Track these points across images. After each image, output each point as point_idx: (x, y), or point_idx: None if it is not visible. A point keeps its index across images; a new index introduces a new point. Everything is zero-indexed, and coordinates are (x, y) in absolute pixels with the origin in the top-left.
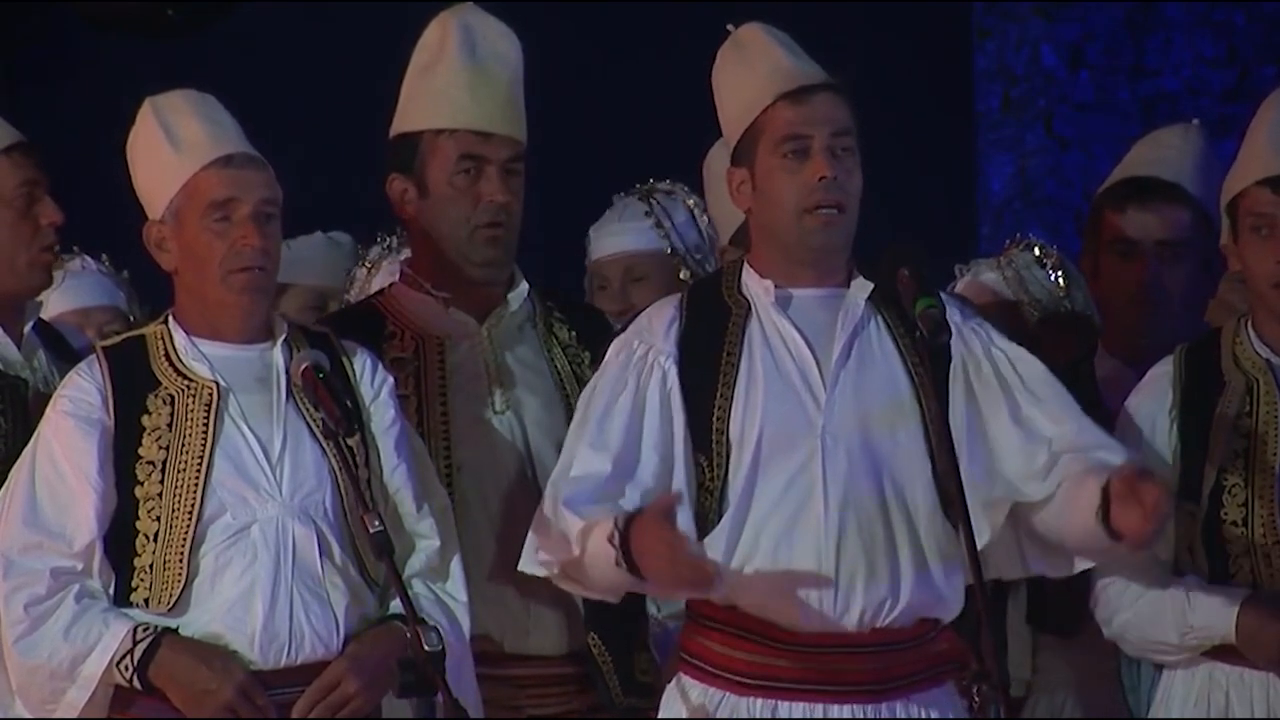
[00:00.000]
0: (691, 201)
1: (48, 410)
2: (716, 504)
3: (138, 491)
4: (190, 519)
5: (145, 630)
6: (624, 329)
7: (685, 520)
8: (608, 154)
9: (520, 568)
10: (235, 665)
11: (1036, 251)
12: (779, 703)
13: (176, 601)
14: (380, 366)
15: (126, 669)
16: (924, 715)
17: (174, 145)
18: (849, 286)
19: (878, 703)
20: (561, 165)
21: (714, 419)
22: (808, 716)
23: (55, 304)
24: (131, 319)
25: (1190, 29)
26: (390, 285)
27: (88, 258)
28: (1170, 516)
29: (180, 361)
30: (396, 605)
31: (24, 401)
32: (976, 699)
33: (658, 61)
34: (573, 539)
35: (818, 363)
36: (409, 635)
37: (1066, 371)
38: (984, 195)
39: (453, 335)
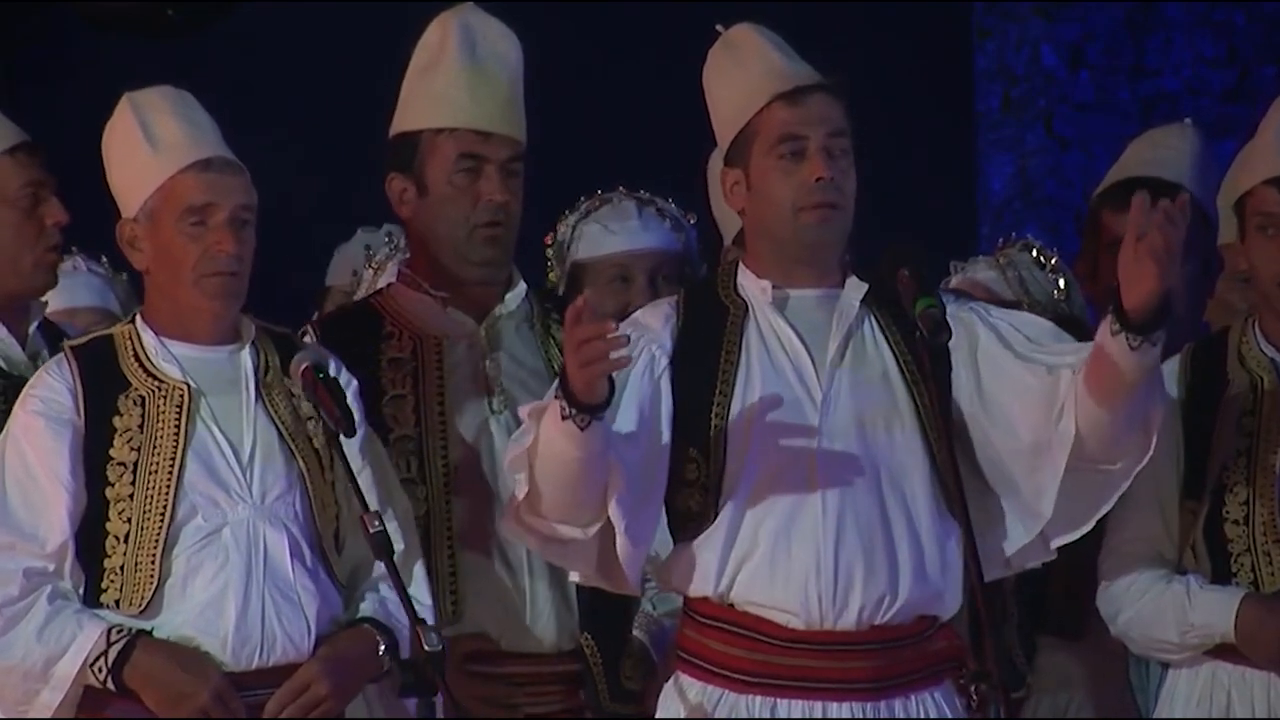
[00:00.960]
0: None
1: (16, 409)
2: (713, 502)
3: (108, 493)
4: (162, 521)
5: (119, 632)
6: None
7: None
8: (608, 154)
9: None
10: (210, 667)
11: (1035, 253)
12: (777, 701)
13: (148, 604)
14: (343, 369)
15: (100, 670)
16: (922, 714)
17: (152, 145)
18: (844, 287)
19: (876, 701)
20: (561, 165)
21: (711, 417)
22: (806, 715)
23: None
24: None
25: (1190, 29)
26: (388, 285)
27: (79, 259)
28: (1186, 221)
29: (150, 362)
30: (364, 608)
31: None
32: (975, 698)
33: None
34: (527, 427)
35: (813, 362)
36: (378, 636)
37: None
38: (984, 195)
39: (451, 335)
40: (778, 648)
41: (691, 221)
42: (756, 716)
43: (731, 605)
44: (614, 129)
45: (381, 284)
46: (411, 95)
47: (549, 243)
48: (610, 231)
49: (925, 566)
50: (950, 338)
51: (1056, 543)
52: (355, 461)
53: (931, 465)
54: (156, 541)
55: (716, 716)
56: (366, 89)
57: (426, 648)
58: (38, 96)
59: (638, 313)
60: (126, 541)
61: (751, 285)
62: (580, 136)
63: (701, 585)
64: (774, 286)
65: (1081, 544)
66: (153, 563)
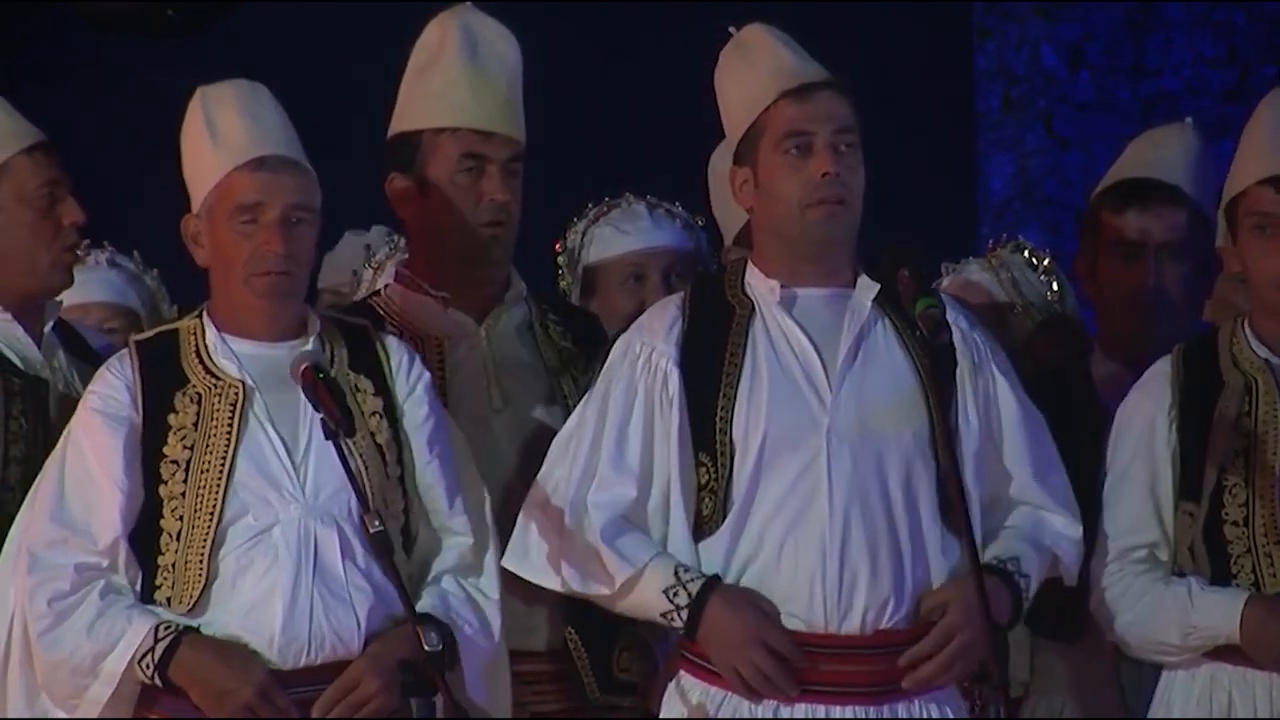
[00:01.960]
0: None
1: (79, 405)
2: (720, 505)
3: (162, 490)
4: (211, 520)
5: (167, 628)
6: (624, 329)
7: (680, 522)
8: (608, 154)
9: (513, 567)
10: (255, 665)
11: (1027, 254)
12: (780, 703)
13: (196, 602)
14: (417, 361)
15: (147, 666)
16: (926, 716)
17: (213, 141)
18: (855, 287)
19: (879, 704)
20: (561, 165)
21: (717, 419)
22: (809, 717)
23: None
24: (141, 317)
25: (1190, 29)
26: (387, 286)
27: (101, 254)
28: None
29: (210, 359)
30: (424, 604)
31: (44, 402)
32: (978, 700)
33: (658, 61)
34: (615, 576)
35: (823, 363)
36: (435, 635)
37: (1061, 375)
38: (984, 195)
39: (451, 335)
40: None
41: (700, 224)
42: (759, 718)
43: None
44: (614, 129)
45: (380, 284)
46: (411, 95)
47: (559, 250)
48: (622, 232)
49: (930, 571)
50: (950, 337)
51: None
52: (422, 453)
53: (939, 469)
54: (205, 540)
55: (719, 717)
56: (366, 89)
57: (426, 648)
58: (38, 96)
59: (644, 316)
60: (178, 540)
61: (759, 284)
62: (580, 136)
63: None
64: (782, 286)
65: None
66: (201, 562)
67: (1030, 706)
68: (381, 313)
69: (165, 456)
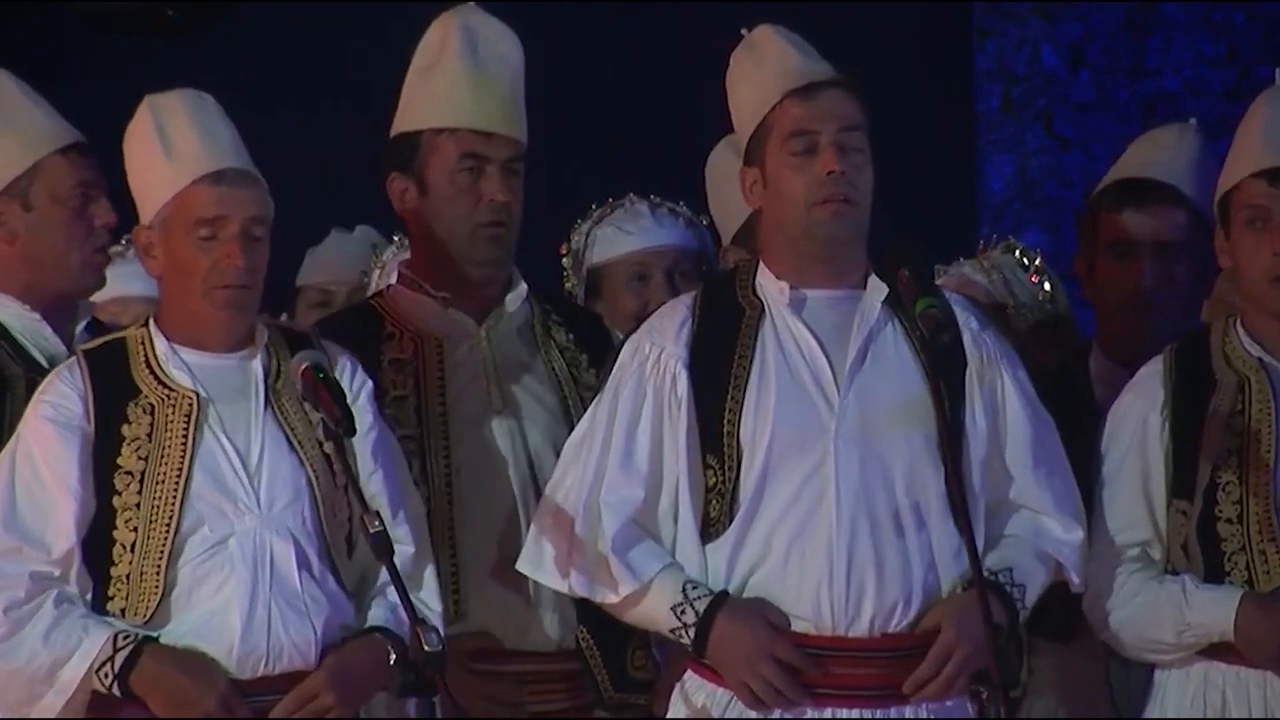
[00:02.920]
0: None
1: (27, 412)
2: (728, 507)
3: (115, 501)
4: (168, 532)
5: (126, 638)
6: (634, 330)
7: (689, 525)
8: (608, 155)
9: (528, 571)
10: (217, 674)
11: (1019, 254)
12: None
13: (153, 614)
14: (359, 369)
15: (106, 676)
16: (930, 718)
17: (168, 154)
18: (865, 287)
19: (885, 707)
20: (562, 166)
21: (725, 421)
22: (816, 718)
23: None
24: None
25: (1190, 29)
26: (388, 286)
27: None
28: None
29: (161, 369)
30: (375, 615)
31: None
32: (985, 702)
33: (658, 62)
34: (622, 589)
35: (831, 365)
36: (389, 646)
37: (1057, 375)
38: (984, 195)
39: (452, 336)
40: None
41: (705, 222)
42: (766, 718)
43: None
44: (614, 129)
45: (382, 285)
46: (412, 95)
47: (564, 252)
48: (626, 232)
49: (938, 574)
50: (950, 337)
51: None
52: (366, 463)
53: (947, 472)
54: (162, 552)
55: (725, 717)
56: (366, 89)
57: (426, 648)
58: None
59: (653, 316)
60: (133, 551)
61: (769, 285)
62: (580, 136)
63: (713, 588)
64: (791, 287)
65: None
66: (158, 573)
67: (1026, 706)
68: (382, 313)
69: (119, 467)
